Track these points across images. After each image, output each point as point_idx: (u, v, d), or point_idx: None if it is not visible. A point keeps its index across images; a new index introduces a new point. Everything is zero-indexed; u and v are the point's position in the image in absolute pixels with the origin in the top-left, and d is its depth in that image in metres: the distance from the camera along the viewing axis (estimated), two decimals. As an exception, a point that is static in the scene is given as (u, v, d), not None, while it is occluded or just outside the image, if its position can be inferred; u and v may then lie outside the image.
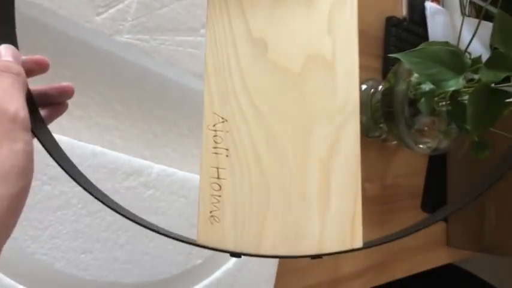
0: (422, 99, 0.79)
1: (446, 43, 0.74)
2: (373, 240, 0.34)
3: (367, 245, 0.33)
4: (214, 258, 0.63)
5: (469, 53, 0.80)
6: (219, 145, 0.36)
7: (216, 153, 0.36)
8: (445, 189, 1.13)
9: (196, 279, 0.62)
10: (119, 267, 0.55)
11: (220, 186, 0.35)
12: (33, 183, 0.31)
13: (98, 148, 0.53)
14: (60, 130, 0.53)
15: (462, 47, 0.79)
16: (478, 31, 0.74)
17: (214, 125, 0.36)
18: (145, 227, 0.36)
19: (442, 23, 1.10)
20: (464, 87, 0.73)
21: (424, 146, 0.88)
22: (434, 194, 1.11)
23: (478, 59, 0.78)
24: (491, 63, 0.68)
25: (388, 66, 0.99)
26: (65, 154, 0.39)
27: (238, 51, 0.37)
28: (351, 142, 0.34)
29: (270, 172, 0.35)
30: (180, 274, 0.60)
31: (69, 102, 0.50)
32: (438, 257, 1.16)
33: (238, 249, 0.34)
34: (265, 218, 0.34)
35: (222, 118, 0.36)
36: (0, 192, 0.29)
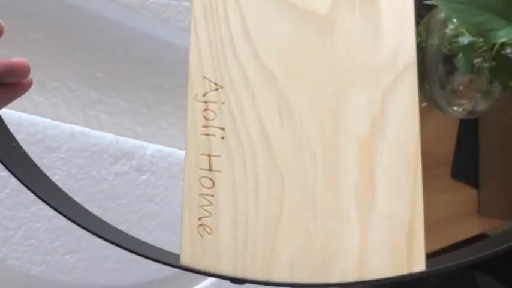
0: (460, 55, 0.67)
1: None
2: (437, 258, 0.22)
3: (432, 268, 0.21)
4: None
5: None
6: (211, 122, 0.24)
7: (207, 134, 0.24)
8: (477, 156, 1.02)
9: (197, 277, 0.51)
10: (112, 267, 0.45)
11: (213, 181, 0.23)
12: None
13: (78, 128, 0.42)
14: (31, 106, 0.42)
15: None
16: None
17: (204, 95, 0.25)
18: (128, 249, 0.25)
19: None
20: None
21: (460, 108, 0.77)
22: (466, 162, 1.01)
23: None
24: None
25: (418, 18, 0.87)
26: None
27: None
28: (406, 113, 0.22)
29: (284, 160, 0.23)
30: (180, 272, 0.50)
31: (41, 72, 0.39)
32: (469, 228, 1.06)
33: (239, 274, 0.22)
34: (278, 228, 0.22)
35: (216, 84, 0.24)
36: None
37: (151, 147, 0.46)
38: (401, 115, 0.22)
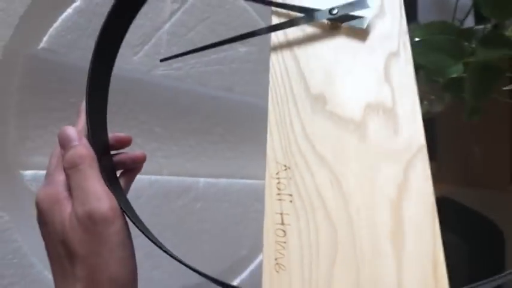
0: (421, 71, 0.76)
1: (444, 23, 0.69)
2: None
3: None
4: (255, 247, 0.61)
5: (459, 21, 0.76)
6: (282, 191, 0.32)
7: (279, 199, 0.32)
8: (435, 136, 1.12)
9: (243, 267, 0.60)
10: (183, 273, 0.53)
11: (285, 232, 0.30)
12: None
13: (153, 178, 0.49)
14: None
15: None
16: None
17: (277, 173, 0.33)
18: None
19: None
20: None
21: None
22: (426, 141, 1.10)
23: (469, 29, 0.74)
24: (485, 41, 0.64)
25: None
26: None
27: (298, 107, 0.32)
28: (422, 180, 0.29)
29: (336, 216, 0.29)
30: (230, 266, 0.58)
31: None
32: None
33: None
34: (334, 264, 0.29)
35: (285, 166, 0.32)
36: None
37: (202, 181, 0.53)
38: (419, 181, 0.30)
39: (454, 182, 1.16)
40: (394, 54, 0.32)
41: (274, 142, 0.33)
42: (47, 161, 0.32)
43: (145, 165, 0.51)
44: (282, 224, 0.32)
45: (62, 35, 0.41)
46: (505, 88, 0.59)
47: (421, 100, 0.85)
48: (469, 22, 0.76)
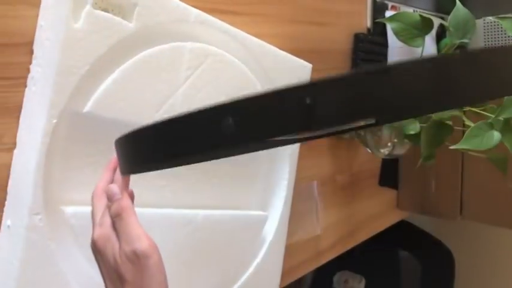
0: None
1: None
2: None
3: None
4: (238, 270, 0.72)
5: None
6: None
7: None
8: (397, 168, 1.26)
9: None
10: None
11: None
12: None
13: (159, 211, 0.60)
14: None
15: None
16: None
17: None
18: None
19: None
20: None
21: (384, 150, 0.99)
22: (389, 172, 1.24)
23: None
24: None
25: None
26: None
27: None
28: None
29: None
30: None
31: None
32: (391, 218, 1.31)
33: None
34: None
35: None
36: None
37: (201, 213, 0.64)
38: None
39: (412, 209, 1.32)
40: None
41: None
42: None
43: (155, 196, 0.62)
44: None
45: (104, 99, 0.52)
46: (451, 147, 0.72)
47: (386, 143, 1.00)
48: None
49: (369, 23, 1.12)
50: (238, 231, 0.70)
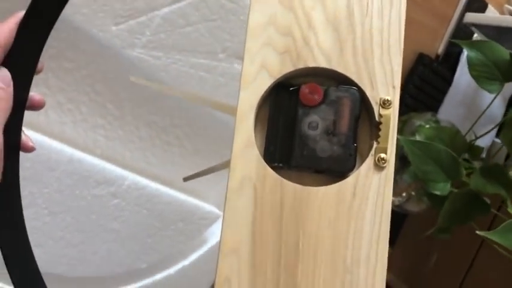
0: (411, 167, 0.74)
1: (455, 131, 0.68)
2: None
3: None
4: (159, 265, 0.59)
5: (475, 134, 0.74)
6: None
7: None
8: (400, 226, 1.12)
9: (136, 279, 0.59)
10: (66, 262, 0.51)
11: None
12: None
13: (76, 154, 0.46)
14: (44, 121, 0.47)
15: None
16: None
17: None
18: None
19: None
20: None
21: (395, 199, 0.84)
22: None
23: (478, 148, 0.73)
24: (485, 172, 0.63)
25: (401, 101, 0.92)
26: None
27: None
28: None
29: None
30: (121, 273, 0.57)
31: (62, 95, 0.44)
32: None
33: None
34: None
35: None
36: None
37: (130, 179, 0.51)
38: None
39: (400, 275, 1.17)
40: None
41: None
42: None
43: (79, 138, 0.48)
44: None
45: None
46: (478, 232, 0.57)
47: (401, 192, 0.82)
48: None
49: (441, 48, 0.95)
50: (173, 220, 0.56)
